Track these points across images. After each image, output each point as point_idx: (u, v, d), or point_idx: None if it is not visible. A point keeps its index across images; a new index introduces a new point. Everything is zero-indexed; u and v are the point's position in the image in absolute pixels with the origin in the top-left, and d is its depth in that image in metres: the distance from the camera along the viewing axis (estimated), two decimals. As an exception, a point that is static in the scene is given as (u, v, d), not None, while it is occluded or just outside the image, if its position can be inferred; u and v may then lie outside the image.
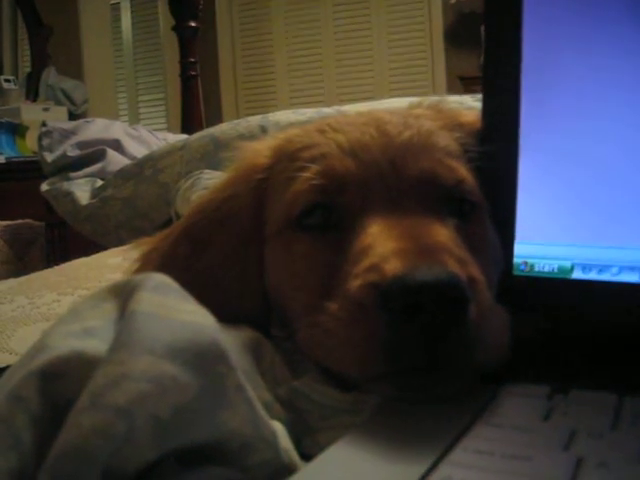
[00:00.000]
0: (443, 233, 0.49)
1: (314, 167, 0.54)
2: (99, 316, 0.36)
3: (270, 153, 0.60)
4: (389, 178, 0.52)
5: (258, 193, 0.59)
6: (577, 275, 0.50)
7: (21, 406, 0.32)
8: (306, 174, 0.54)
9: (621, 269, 0.48)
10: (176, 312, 0.35)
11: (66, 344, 0.34)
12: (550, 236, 0.51)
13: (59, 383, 0.33)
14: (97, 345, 0.34)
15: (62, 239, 1.95)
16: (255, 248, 0.58)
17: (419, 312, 0.42)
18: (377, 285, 0.44)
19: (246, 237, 0.59)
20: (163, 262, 0.60)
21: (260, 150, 0.61)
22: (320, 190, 0.53)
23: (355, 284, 0.46)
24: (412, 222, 0.50)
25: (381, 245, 0.47)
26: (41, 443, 0.31)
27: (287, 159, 0.58)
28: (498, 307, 0.48)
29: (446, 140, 0.56)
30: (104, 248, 1.21)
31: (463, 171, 0.54)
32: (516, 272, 0.52)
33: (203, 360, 0.33)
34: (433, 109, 0.63)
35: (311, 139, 0.57)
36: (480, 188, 0.54)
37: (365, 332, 0.44)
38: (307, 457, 0.40)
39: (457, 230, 0.51)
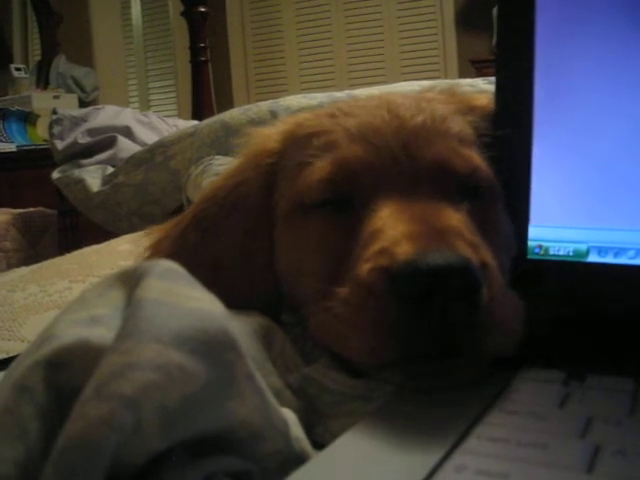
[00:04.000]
0: (456, 217, 0.48)
1: (325, 156, 0.53)
2: (106, 304, 0.36)
3: (280, 137, 0.60)
4: (402, 162, 0.52)
5: (268, 178, 0.59)
6: (593, 258, 0.49)
7: (27, 396, 0.31)
8: (318, 163, 0.53)
9: (638, 252, 0.48)
10: (184, 299, 0.34)
11: (72, 332, 0.33)
12: (566, 219, 0.50)
13: (64, 373, 0.32)
14: (104, 333, 0.33)
15: (74, 227, 1.95)
16: (265, 233, 0.58)
17: (430, 298, 0.41)
18: (387, 269, 0.44)
19: (256, 222, 0.58)
20: (173, 249, 0.60)
21: (270, 135, 0.61)
22: (332, 180, 0.53)
23: (365, 268, 0.45)
24: (424, 206, 0.49)
25: (392, 228, 0.47)
26: (47, 433, 0.31)
27: (298, 144, 0.57)
28: (511, 292, 0.47)
29: (460, 125, 0.55)
30: (115, 235, 1.21)
31: (477, 159, 0.53)
32: (531, 255, 0.51)
33: (211, 348, 0.33)
34: (446, 93, 0.62)
35: (322, 124, 0.56)
36: (494, 172, 0.54)
37: (375, 317, 0.44)
38: (319, 445, 0.40)
39: (470, 215, 0.51)
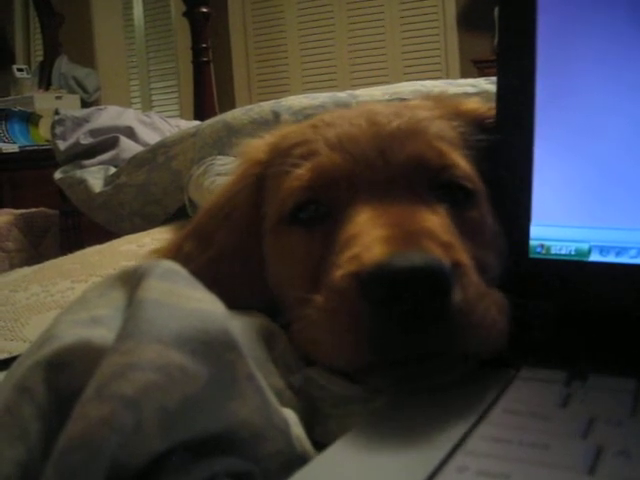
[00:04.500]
0: (430, 219, 0.49)
1: (305, 164, 0.54)
2: (107, 304, 0.36)
3: (267, 149, 0.61)
4: (376, 167, 0.52)
5: (256, 188, 0.60)
6: (594, 257, 0.49)
7: (27, 397, 0.31)
8: (297, 171, 0.54)
9: (639, 251, 0.47)
10: (185, 300, 0.34)
11: (73, 333, 0.33)
12: (567, 218, 0.50)
13: (65, 373, 0.32)
14: (104, 334, 0.33)
15: (76, 227, 1.95)
16: (256, 242, 0.59)
17: (397, 301, 0.41)
18: (357, 274, 0.44)
19: (247, 232, 0.59)
20: (168, 256, 0.61)
21: (258, 146, 0.62)
22: (310, 187, 0.53)
23: (338, 274, 0.46)
24: (399, 209, 0.49)
25: (365, 234, 0.47)
26: (48, 434, 0.31)
27: (282, 155, 0.58)
28: (494, 292, 0.47)
29: (440, 127, 0.56)
30: (118, 235, 1.21)
31: (455, 156, 0.54)
32: (532, 255, 0.51)
33: (212, 348, 0.33)
34: (432, 100, 0.63)
35: (304, 135, 0.57)
36: (493, 171, 0.54)
37: (349, 322, 0.44)
38: (319, 445, 0.40)
39: (449, 216, 0.51)
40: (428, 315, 0.42)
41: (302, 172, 0.54)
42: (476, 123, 0.58)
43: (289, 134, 0.60)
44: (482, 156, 0.56)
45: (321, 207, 0.53)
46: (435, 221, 0.49)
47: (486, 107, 0.61)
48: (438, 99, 0.63)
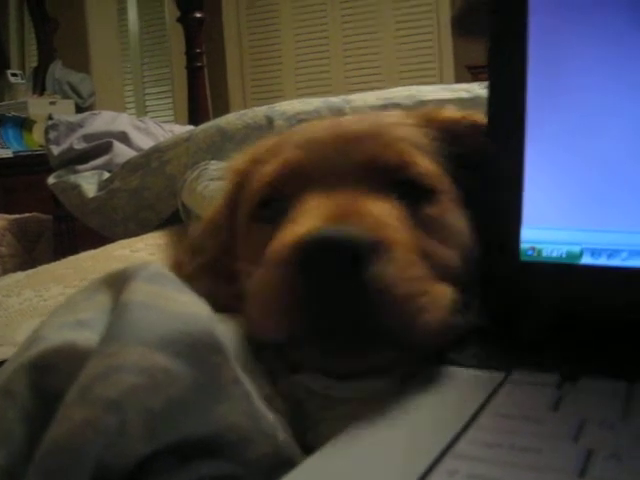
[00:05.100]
0: (373, 204, 0.50)
1: (271, 161, 0.57)
2: (93, 307, 0.35)
3: (246, 158, 0.64)
4: (333, 164, 0.54)
5: (235, 195, 0.63)
6: (586, 260, 0.49)
7: (11, 400, 0.31)
8: (264, 169, 0.57)
9: (631, 254, 0.47)
10: (171, 302, 0.34)
11: (58, 336, 0.33)
12: (559, 220, 0.50)
13: (50, 375, 0.32)
14: (90, 336, 0.33)
15: (70, 232, 1.95)
16: (234, 245, 0.61)
17: (316, 269, 0.43)
18: (286, 245, 0.46)
19: (228, 236, 0.62)
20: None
21: (239, 157, 0.65)
22: (272, 182, 0.56)
23: (273, 247, 0.48)
24: (344, 196, 0.51)
25: (306, 215, 0.49)
26: (32, 437, 0.30)
27: (257, 161, 0.61)
28: (440, 286, 0.48)
29: (405, 131, 0.58)
30: (111, 241, 1.20)
31: (416, 157, 0.55)
32: (524, 257, 0.51)
33: (196, 351, 0.32)
34: (407, 109, 0.65)
35: (277, 144, 0.60)
36: (483, 174, 0.54)
37: (278, 290, 0.45)
38: (311, 450, 0.39)
39: (405, 209, 0.52)
40: (342, 283, 0.43)
41: (267, 169, 0.57)
42: (450, 131, 0.60)
43: (267, 143, 0.63)
44: (457, 164, 0.58)
45: (281, 203, 0.55)
46: (378, 206, 0.50)
47: (461, 115, 0.62)
48: (412, 109, 0.66)
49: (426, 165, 0.55)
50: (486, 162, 0.54)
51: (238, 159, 0.65)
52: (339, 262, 0.43)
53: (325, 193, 0.52)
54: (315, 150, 0.55)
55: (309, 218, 0.48)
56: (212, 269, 0.61)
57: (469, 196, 0.57)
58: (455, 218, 0.55)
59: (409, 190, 0.54)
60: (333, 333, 0.44)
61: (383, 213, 0.49)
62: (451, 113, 0.62)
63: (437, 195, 0.55)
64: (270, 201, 0.56)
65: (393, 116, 0.61)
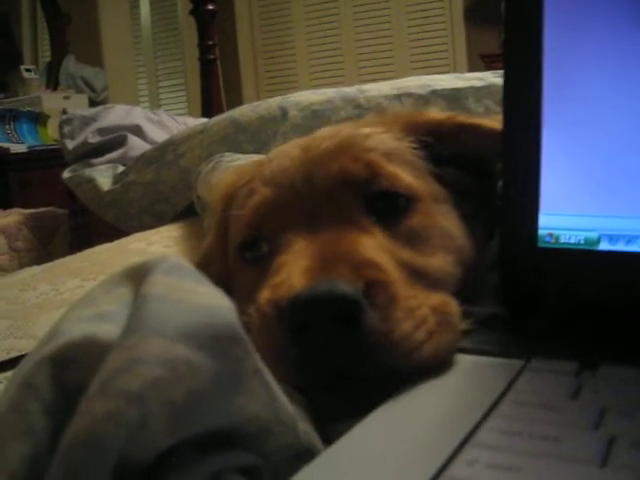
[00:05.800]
0: (355, 240, 0.49)
1: (246, 204, 0.57)
2: (113, 300, 0.35)
3: (221, 195, 0.64)
4: (302, 195, 0.54)
5: (223, 225, 0.63)
6: (604, 246, 0.48)
7: (32, 393, 0.31)
8: (240, 213, 0.57)
9: (650, 240, 0.47)
10: (191, 294, 0.34)
11: (79, 329, 0.33)
12: (577, 207, 0.50)
13: (71, 369, 0.32)
14: (110, 329, 0.33)
15: (85, 226, 1.96)
16: (227, 281, 0.60)
17: (308, 329, 0.42)
18: (275, 303, 0.45)
19: (219, 272, 0.62)
20: None
21: (216, 194, 0.66)
22: (249, 225, 0.56)
23: (263, 296, 0.47)
24: (325, 236, 0.50)
25: (291, 263, 0.48)
26: (54, 430, 0.31)
27: (232, 198, 0.61)
28: (434, 297, 0.48)
29: (376, 140, 0.57)
30: (127, 234, 1.21)
31: (387, 166, 0.54)
32: (541, 244, 0.51)
33: (218, 343, 0.32)
34: (389, 116, 0.64)
35: (249, 174, 0.60)
36: (499, 161, 0.53)
37: (271, 347, 0.45)
38: (332, 440, 0.39)
39: (384, 227, 0.52)
40: (338, 340, 0.42)
41: (242, 213, 0.57)
42: (435, 133, 0.59)
43: (241, 173, 0.63)
44: (445, 164, 0.58)
45: (263, 243, 0.55)
46: (360, 241, 0.49)
47: (445, 116, 0.62)
48: (393, 114, 0.63)
49: (398, 173, 0.54)
50: (504, 149, 0.54)
51: (214, 196, 0.66)
52: (333, 321, 0.42)
53: (303, 232, 0.51)
54: (283, 185, 0.55)
55: (292, 268, 0.47)
56: None
57: (462, 195, 0.57)
58: (442, 222, 0.54)
59: (386, 202, 0.53)
60: (334, 386, 0.44)
61: (365, 247, 0.49)
62: (434, 115, 0.61)
63: (416, 203, 0.54)
64: (252, 242, 0.56)
65: (367, 124, 0.60)
